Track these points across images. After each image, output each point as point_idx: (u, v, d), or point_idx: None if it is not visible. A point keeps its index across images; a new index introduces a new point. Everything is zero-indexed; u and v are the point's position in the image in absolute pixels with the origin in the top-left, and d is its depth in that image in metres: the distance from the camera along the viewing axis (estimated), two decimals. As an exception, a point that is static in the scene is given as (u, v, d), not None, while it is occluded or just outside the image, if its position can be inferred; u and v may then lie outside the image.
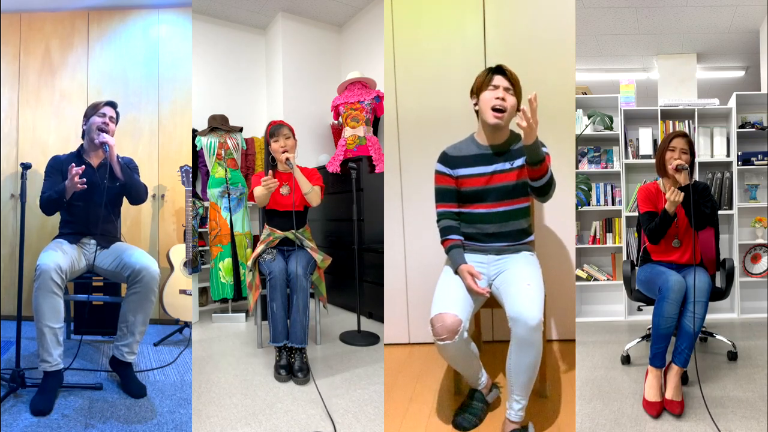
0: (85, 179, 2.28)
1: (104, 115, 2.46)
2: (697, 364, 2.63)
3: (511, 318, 1.73)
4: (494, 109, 1.92)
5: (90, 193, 2.41)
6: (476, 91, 1.99)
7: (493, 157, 2.01)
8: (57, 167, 2.48)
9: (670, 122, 3.90)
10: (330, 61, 5.09)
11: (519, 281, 1.84)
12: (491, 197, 2.00)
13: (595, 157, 3.98)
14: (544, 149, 1.96)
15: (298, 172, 2.74)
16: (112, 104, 2.53)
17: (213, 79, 4.78)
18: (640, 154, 3.91)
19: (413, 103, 2.73)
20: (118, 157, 2.46)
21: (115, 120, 2.53)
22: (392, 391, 2.33)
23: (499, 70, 1.96)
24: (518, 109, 1.96)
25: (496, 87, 1.93)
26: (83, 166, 2.30)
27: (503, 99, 1.92)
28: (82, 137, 2.53)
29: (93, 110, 2.48)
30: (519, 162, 1.98)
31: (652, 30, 4.60)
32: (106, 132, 2.45)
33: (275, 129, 2.78)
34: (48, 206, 2.41)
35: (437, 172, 2.06)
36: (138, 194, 2.56)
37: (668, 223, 2.39)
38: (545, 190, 1.91)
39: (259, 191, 2.69)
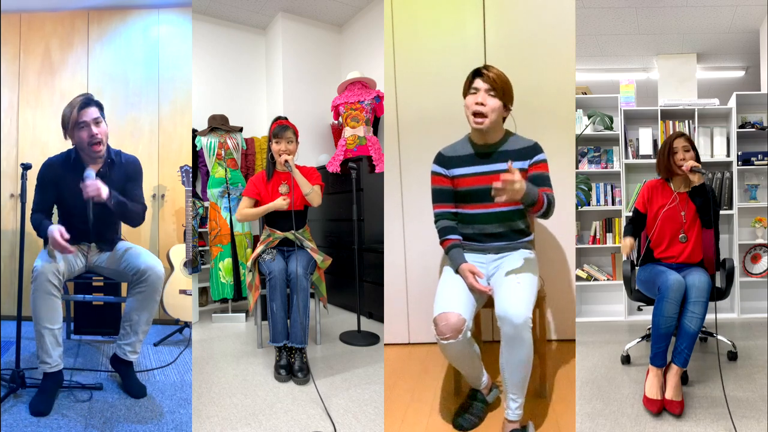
0: (69, 248, 2.13)
1: (86, 124, 2.19)
2: (698, 364, 2.63)
3: (498, 316, 1.74)
4: (475, 114, 1.92)
5: (88, 203, 2.24)
6: (464, 95, 1.99)
7: (488, 156, 2.01)
8: (49, 177, 2.31)
9: (670, 122, 3.89)
10: (330, 61, 5.09)
11: (509, 279, 1.84)
12: (487, 197, 1.98)
13: (595, 157, 3.98)
14: (541, 155, 1.97)
15: (297, 173, 2.73)
16: (88, 102, 2.22)
17: (213, 79, 4.78)
18: (640, 154, 3.91)
19: (413, 103, 2.73)
20: (111, 192, 2.19)
21: (101, 115, 2.25)
22: (392, 391, 2.33)
23: (480, 72, 1.93)
24: (507, 108, 1.96)
25: (477, 91, 1.92)
26: (68, 236, 2.12)
27: (482, 103, 1.90)
28: (72, 144, 2.31)
29: (69, 119, 2.19)
30: (516, 164, 1.96)
31: (652, 30, 4.60)
32: (100, 143, 2.22)
33: (280, 130, 2.76)
34: (34, 229, 2.27)
35: (433, 173, 2.07)
36: (133, 221, 2.36)
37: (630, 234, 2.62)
38: (543, 217, 1.95)
39: (250, 213, 2.80)
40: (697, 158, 2.48)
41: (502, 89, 1.92)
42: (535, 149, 1.99)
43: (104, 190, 2.15)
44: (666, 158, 2.50)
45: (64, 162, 2.34)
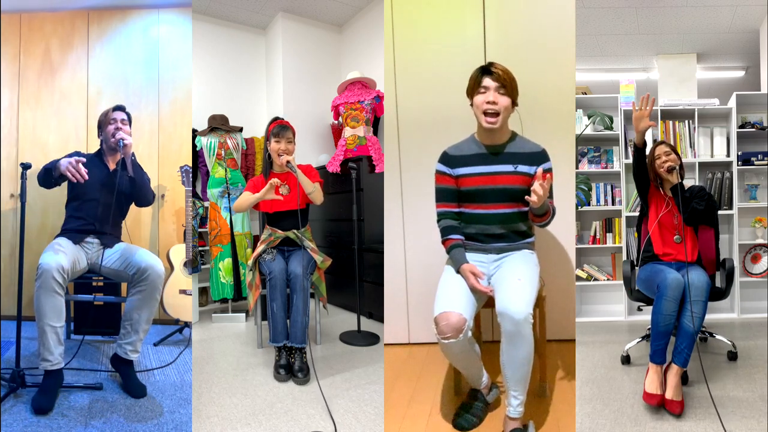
0: (83, 171, 2.28)
1: (115, 120, 2.48)
2: (698, 364, 2.63)
3: (499, 313, 1.74)
4: (486, 114, 1.91)
5: (103, 193, 2.45)
6: (470, 93, 1.97)
7: (493, 157, 2.00)
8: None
9: (670, 122, 3.90)
10: (330, 61, 5.09)
11: (511, 277, 1.85)
12: (491, 198, 2.00)
13: (595, 157, 3.98)
14: (548, 164, 1.98)
15: (300, 173, 2.73)
16: (120, 108, 2.55)
17: (213, 79, 4.78)
18: (640, 154, 3.91)
19: (413, 103, 2.73)
20: (133, 156, 2.50)
21: (128, 122, 2.54)
22: (392, 391, 2.33)
23: (488, 70, 1.91)
24: (515, 104, 1.95)
25: (486, 89, 1.90)
26: (84, 159, 2.31)
27: (494, 102, 1.89)
28: (101, 145, 2.57)
29: (104, 117, 2.51)
30: (523, 168, 1.96)
31: (652, 30, 4.60)
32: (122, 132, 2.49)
33: (279, 130, 2.76)
34: (43, 177, 2.38)
35: (437, 172, 2.06)
36: (146, 195, 2.59)
37: (638, 158, 2.59)
38: (544, 226, 2.02)
39: (247, 198, 2.71)
40: (681, 162, 2.63)
41: (511, 86, 1.91)
42: (543, 156, 1.99)
43: (132, 146, 2.46)
44: (650, 164, 2.65)
45: (88, 157, 2.52)
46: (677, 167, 2.56)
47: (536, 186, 1.79)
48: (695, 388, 2.34)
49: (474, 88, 1.94)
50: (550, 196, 2.00)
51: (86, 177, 2.29)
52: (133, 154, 2.50)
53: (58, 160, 2.33)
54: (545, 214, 1.94)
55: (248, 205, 2.72)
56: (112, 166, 2.54)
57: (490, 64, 1.93)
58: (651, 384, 2.18)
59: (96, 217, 2.46)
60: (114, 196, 2.44)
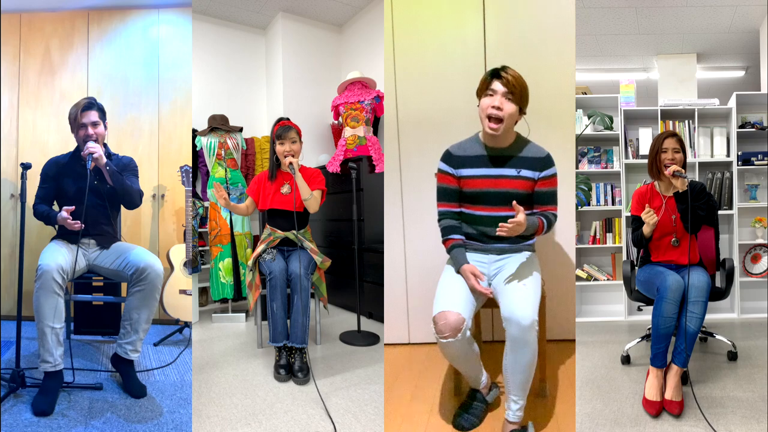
0: (79, 222, 2.28)
1: (85, 126, 2.38)
2: (697, 364, 2.63)
3: (504, 318, 1.74)
4: (490, 118, 1.88)
5: (87, 195, 2.34)
6: (478, 94, 1.95)
7: (497, 159, 1.98)
8: (52, 174, 2.47)
9: (670, 122, 3.90)
10: (330, 61, 5.09)
11: (515, 282, 1.84)
12: (493, 201, 1.99)
13: (595, 157, 3.98)
14: (551, 170, 1.96)
15: (299, 178, 2.72)
16: (90, 105, 2.41)
17: (213, 79, 4.78)
18: (640, 154, 3.91)
19: (413, 103, 2.73)
20: (109, 161, 2.40)
21: (101, 117, 2.43)
22: (392, 391, 2.33)
23: (498, 74, 1.87)
24: (522, 112, 1.92)
25: (494, 93, 1.87)
26: (73, 208, 2.28)
27: (499, 107, 1.85)
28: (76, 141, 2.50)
29: (74, 119, 2.40)
30: (526, 173, 1.95)
31: (652, 30, 4.60)
32: (94, 140, 2.39)
33: (283, 132, 2.75)
34: (41, 220, 2.44)
35: (440, 171, 2.05)
36: (130, 199, 2.48)
37: (645, 243, 2.52)
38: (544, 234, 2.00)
39: (236, 210, 2.92)
40: (685, 162, 2.46)
41: (520, 93, 1.86)
42: (546, 162, 1.96)
43: (103, 157, 2.34)
44: (653, 156, 2.48)
45: (66, 159, 2.52)
46: (685, 176, 2.35)
47: (510, 222, 1.75)
48: (695, 388, 2.34)
49: (482, 90, 1.91)
50: (553, 202, 1.99)
51: (81, 225, 2.28)
52: (107, 163, 2.37)
53: (52, 216, 2.37)
54: (536, 233, 1.93)
55: (236, 212, 2.94)
56: (92, 164, 2.36)
57: (502, 68, 1.88)
58: (651, 389, 2.17)
59: (86, 221, 2.36)
60: (99, 197, 2.42)
